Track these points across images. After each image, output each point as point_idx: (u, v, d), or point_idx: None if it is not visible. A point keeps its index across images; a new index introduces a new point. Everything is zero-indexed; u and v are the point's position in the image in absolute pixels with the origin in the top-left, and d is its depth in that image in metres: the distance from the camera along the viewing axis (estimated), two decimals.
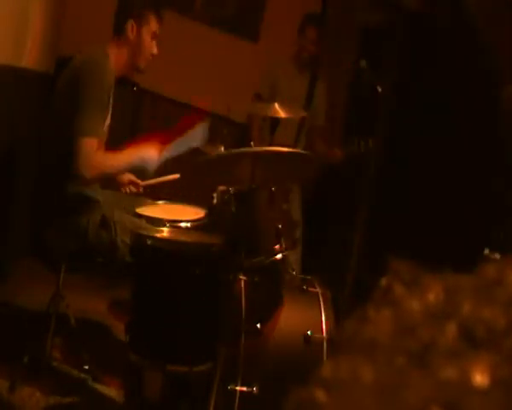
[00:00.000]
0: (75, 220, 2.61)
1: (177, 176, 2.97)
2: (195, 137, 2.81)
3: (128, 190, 3.02)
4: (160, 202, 3.04)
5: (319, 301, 2.30)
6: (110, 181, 3.00)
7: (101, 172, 2.62)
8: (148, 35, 2.76)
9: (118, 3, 2.85)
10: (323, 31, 4.06)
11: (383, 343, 0.28)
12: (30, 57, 3.54)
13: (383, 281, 0.30)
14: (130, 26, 2.71)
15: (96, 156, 2.56)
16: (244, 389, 2.10)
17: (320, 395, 0.27)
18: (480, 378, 0.26)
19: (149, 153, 2.72)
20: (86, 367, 2.70)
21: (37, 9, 3.54)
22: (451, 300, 0.29)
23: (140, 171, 2.82)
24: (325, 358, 2.16)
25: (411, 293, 0.30)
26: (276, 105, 2.92)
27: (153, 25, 2.77)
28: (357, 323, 0.29)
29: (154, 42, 2.78)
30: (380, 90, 3.21)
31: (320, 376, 0.28)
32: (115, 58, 2.71)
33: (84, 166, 2.53)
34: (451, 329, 0.28)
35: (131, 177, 3.00)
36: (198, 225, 2.76)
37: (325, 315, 2.26)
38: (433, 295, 0.29)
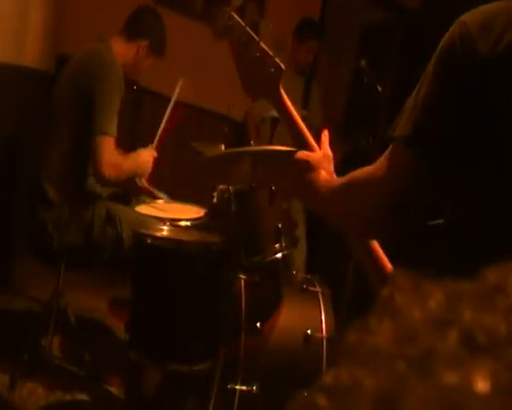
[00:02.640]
0: (79, 214, 2.62)
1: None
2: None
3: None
4: (160, 200, 3.04)
5: (319, 301, 2.31)
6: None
7: (120, 173, 2.65)
8: (148, 63, 2.89)
9: (139, 11, 2.89)
10: (322, 42, 4.08)
11: (384, 351, 0.28)
12: (30, 55, 3.53)
13: (384, 290, 0.31)
14: (144, 44, 2.80)
15: (115, 156, 2.60)
16: (244, 388, 2.10)
17: (321, 400, 0.27)
18: (481, 385, 0.26)
19: (145, 160, 2.80)
20: (86, 365, 2.70)
21: (37, 8, 3.53)
22: (452, 307, 0.29)
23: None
24: (325, 357, 2.16)
25: (412, 301, 0.30)
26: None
27: (154, 60, 2.91)
28: (358, 333, 0.29)
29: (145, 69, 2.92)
30: (380, 89, 3.21)
31: (321, 383, 0.28)
32: (119, 55, 2.73)
33: (106, 165, 2.56)
34: (452, 336, 0.28)
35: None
36: (198, 224, 2.76)
37: (325, 314, 2.26)
38: (434, 302, 0.29)
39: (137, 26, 2.82)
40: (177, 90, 2.97)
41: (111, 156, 2.57)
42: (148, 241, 2.36)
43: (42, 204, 2.64)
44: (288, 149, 2.13)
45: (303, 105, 3.95)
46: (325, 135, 1.38)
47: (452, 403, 0.26)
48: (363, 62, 3.24)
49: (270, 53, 1.38)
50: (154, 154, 2.87)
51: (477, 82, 0.98)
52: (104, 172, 2.57)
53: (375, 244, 1.25)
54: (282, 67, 1.38)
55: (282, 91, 1.40)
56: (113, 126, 2.59)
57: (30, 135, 3.27)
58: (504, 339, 0.27)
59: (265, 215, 2.35)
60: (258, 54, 1.37)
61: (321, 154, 1.37)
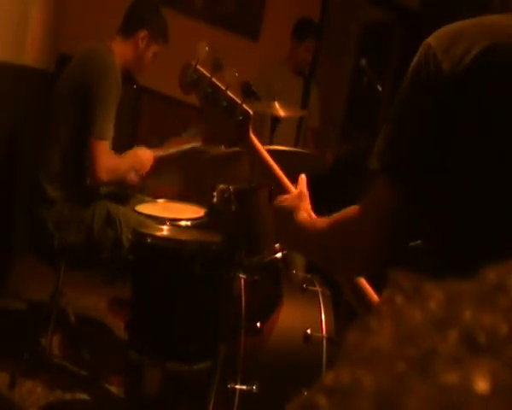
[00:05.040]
0: (80, 214, 2.62)
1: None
2: (187, 140, 2.91)
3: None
4: (160, 200, 3.05)
5: (319, 300, 2.30)
6: None
7: (115, 175, 2.70)
8: (152, 52, 2.85)
9: (133, 4, 2.88)
10: (322, 41, 4.08)
11: (385, 352, 0.28)
12: (30, 54, 3.53)
13: (385, 293, 0.31)
14: (143, 35, 2.77)
15: (110, 159, 2.62)
16: (243, 387, 2.10)
17: (321, 400, 0.27)
18: (481, 384, 0.26)
19: (145, 158, 2.80)
20: (86, 364, 2.71)
21: (37, 7, 3.53)
22: (452, 307, 0.29)
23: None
24: (325, 357, 2.16)
25: (412, 302, 0.30)
26: (276, 104, 2.93)
27: (159, 47, 2.86)
28: (359, 334, 0.29)
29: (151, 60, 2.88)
30: (380, 89, 3.21)
31: (321, 383, 0.28)
32: (119, 55, 2.73)
33: (101, 169, 2.60)
34: (453, 336, 0.28)
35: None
36: (198, 224, 2.77)
37: (325, 314, 2.26)
38: (434, 302, 0.29)
39: (133, 20, 2.81)
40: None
41: (106, 160, 2.61)
42: (148, 240, 2.36)
43: (42, 204, 2.64)
44: (287, 148, 2.13)
45: (302, 105, 3.95)
46: (301, 178, 1.37)
47: (452, 403, 0.26)
48: (363, 61, 3.24)
49: (238, 100, 1.38)
50: (153, 156, 2.87)
51: (446, 100, 0.97)
52: (99, 176, 2.61)
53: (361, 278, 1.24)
54: (251, 113, 1.37)
55: (253, 136, 1.39)
56: (108, 130, 2.61)
57: (30, 134, 3.27)
58: (505, 339, 0.28)
59: (265, 215, 2.35)
60: (225, 103, 1.38)
61: (296, 193, 1.35)
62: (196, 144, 2.91)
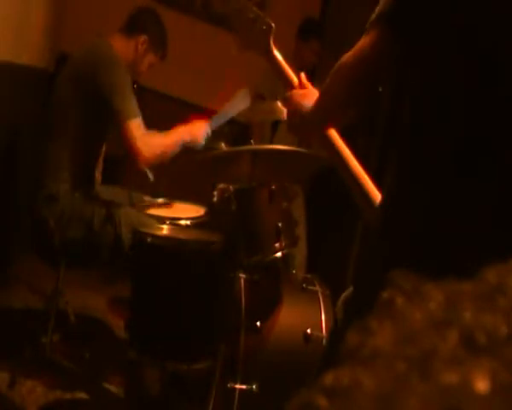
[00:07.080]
0: (80, 210, 2.62)
1: None
2: (235, 105, 2.83)
3: None
4: (160, 199, 3.05)
5: (319, 300, 2.31)
6: None
7: (160, 151, 2.62)
8: (149, 61, 2.85)
9: (140, 9, 2.89)
10: (323, 41, 4.08)
11: (385, 352, 0.28)
12: (30, 54, 3.54)
13: (384, 293, 0.31)
14: (143, 39, 2.77)
15: (149, 135, 2.58)
16: (243, 387, 2.10)
17: (321, 401, 0.27)
18: (481, 385, 0.26)
19: (197, 128, 2.75)
20: (86, 364, 2.71)
21: (37, 6, 3.53)
22: (452, 307, 0.29)
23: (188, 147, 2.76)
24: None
25: (412, 302, 0.30)
26: (278, 104, 2.93)
27: (156, 59, 2.87)
28: (359, 335, 0.29)
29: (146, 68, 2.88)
30: (380, 89, 3.21)
31: (321, 384, 0.28)
32: (120, 52, 2.73)
33: (143, 146, 2.53)
34: (453, 336, 0.28)
35: None
36: (198, 223, 2.76)
37: (325, 314, 2.26)
38: (434, 303, 0.29)
39: (135, 23, 2.82)
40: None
41: (144, 137, 2.55)
42: (148, 240, 2.36)
43: (43, 202, 2.63)
44: (287, 147, 2.19)
45: None
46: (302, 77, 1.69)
47: (452, 403, 0.26)
48: None
49: (262, 14, 1.68)
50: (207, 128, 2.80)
51: None
52: (144, 156, 2.55)
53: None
54: (272, 24, 1.65)
55: (272, 45, 1.66)
56: (134, 107, 2.57)
57: (30, 133, 3.27)
58: (504, 339, 0.28)
59: (265, 214, 2.35)
60: (251, 15, 1.68)
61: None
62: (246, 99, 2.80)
